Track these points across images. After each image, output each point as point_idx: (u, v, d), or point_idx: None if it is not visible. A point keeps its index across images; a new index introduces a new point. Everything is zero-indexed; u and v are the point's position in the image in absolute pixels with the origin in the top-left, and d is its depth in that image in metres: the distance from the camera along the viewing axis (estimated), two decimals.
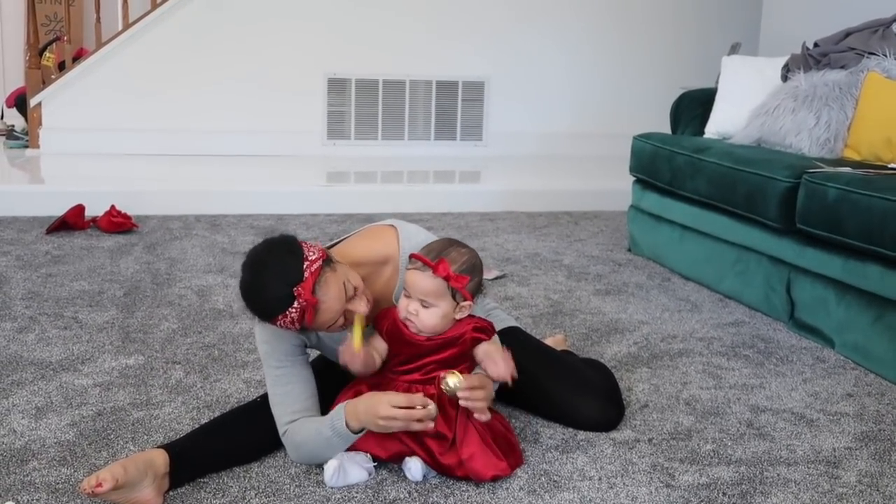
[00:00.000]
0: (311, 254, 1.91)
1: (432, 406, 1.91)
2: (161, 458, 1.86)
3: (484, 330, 2.06)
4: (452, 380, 1.93)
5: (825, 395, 2.50)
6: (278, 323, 1.90)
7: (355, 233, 2.17)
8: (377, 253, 2.09)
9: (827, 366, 2.73)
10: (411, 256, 2.00)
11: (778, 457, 2.11)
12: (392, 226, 2.14)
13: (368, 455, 1.97)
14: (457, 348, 2.04)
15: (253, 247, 1.97)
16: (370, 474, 1.96)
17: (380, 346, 2.03)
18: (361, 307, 1.97)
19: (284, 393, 2.02)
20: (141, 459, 1.83)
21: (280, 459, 2.01)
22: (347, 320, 1.97)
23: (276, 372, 2.03)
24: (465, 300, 2.00)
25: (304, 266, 1.88)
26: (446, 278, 1.97)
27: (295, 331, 1.96)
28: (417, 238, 2.10)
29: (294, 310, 1.87)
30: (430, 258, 1.98)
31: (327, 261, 1.93)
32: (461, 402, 1.93)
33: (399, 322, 2.03)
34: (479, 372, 2.02)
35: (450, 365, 2.01)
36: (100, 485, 1.72)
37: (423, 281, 1.97)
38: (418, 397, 1.91)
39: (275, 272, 1.88)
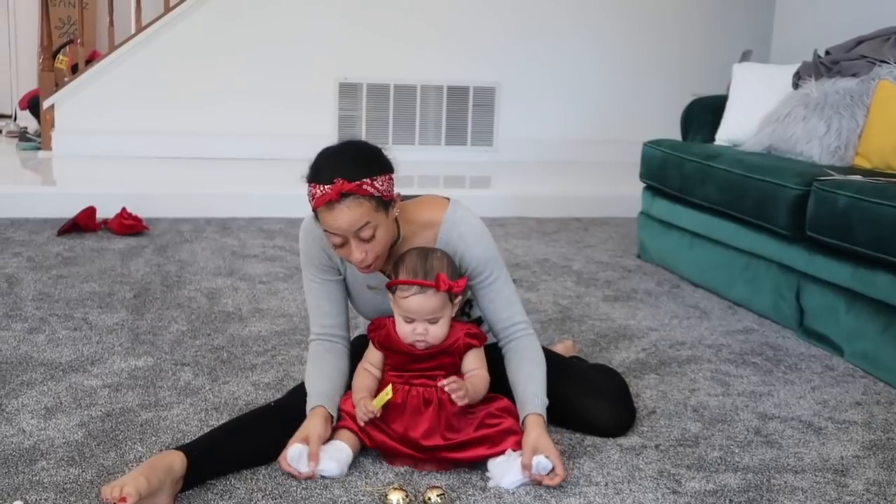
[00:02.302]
0: (380, 182, 1.95)
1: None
2: (179, 462, 1.85)
3: (476, 336, 2.08)
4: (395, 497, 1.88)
5: (834, 403, 2.49)
6: (308, 189, 1.97)
7: (417, 196, 2.20)
8: (426, 217, 2.13)
9: (836, 374, 2.72)
10: (399, 283, 2.00)
11: (785, 464, 2.11)
12: (448, 199, 2.18)
13: (345, 444, 1.99)
14: (450, 357, 2.06)
15: (362, 140, 2.07)
16: (341, 471, 1.95)
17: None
18: (356, 255, 1.98)
19: (314, 306, 2.19)
20: (161, 466, 1.82)
21: None
22: (345, 251, 1.99)
23: (309, 284, 2.19)
24: (458, 296, 2.04)
25: (363, 182, 1.92)
26: (449, 289, 1.99)
27: (311, 211, 2.00)
28: (464, 217, 2.13)
29: (321, 189, 1.93)
30: (420, 278, 1.98)
31: (383, 201, 1.97)
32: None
33: (392, 333, 2.05)
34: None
35: (443, 368, 2.04)
36: (124, 499, 1.71)
37: (429, 302, 1.99)
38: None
39: (347, 158, 1.96)
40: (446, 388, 1.96)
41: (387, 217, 1.99)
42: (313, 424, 1.99)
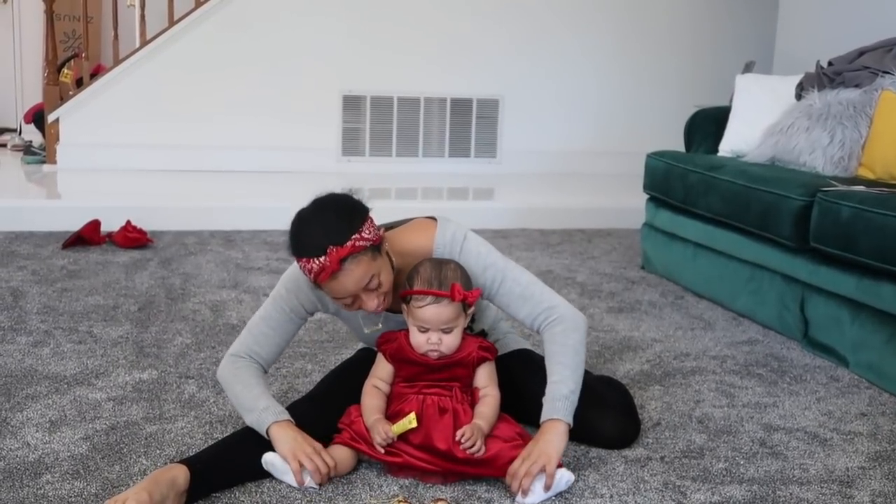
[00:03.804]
0: (367, 232, 1.93)
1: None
2: (183, 476, 1.85)
3: (489, 349, 2.10)
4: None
5: (839, 414, 2.49)
6: (301, 264, 1.95)
7: (402, 222, 2.18)
8: (416, 245, 2.12)
9: (841, 385, 2.72)
10: (414, 293, 2.00)
11: (791, 476, 2.10)
12: (433, 218, 2.16)
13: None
14: (464, 368, 2.07)
15: (331, 193, 2.01)
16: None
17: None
18: (371, 304, 1.99)
19: (261, 333, 2.13)
20: (164, 480, 1.82)
21: None
22: (356, 306, 1.99)
23: (272, 313, 2.13)
24: (471, 306, 2.05)
25: (353, 237, 1.90)
26: (464, 300, 2.00)
27: (310, 282, 1.97)
28: (455, 237, 2.11)
29: (317, 263, 1.91)
30: (434, 288, 1.99)
31: (376, 247, 1.95)
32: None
33: (405, 345, 2.05)
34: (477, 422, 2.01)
35: (457, 380, 2.05)
36: None
37: (443, 312, 2.00)
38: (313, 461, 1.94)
39: (326, 223, 1.93)
40: (462, 445, 1.95)
41: (383, 259, 1.99)
42: (304, 436, 1.98)
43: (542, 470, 1.91)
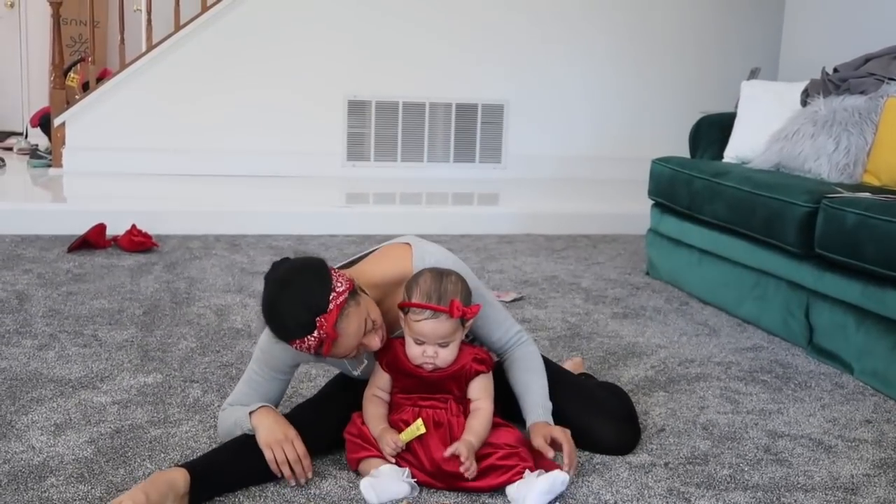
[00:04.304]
0: (338, 284, 1.90)
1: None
2: (182, 479, 1.86)
3: (483, 361, 2.07)
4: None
5: (843, 421, 2.48)
6: (294, 346, 1.92)
7: (372, 251, 2.17)
8: (392, 274, 2.08)
9: (845, 392, 2.71)
10: (412, 306, 1.97)
11: (795, 483, 2.10)
12: (408, 244, 2.13)
13: (408, 470, 1.96)
14: (457, 382, 2.04)
15: (279, 262, 1.96)
16: (413, 490, 1.94)
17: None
18: (375, 343, 1.98)
19: (245, 393, 2.11)
20: (162, 482, 1.82)
21: None
22: (361, 349, 1.99)
23: (254, 375, 2.11)
24: (469, 321, 2.03)
25: (331, 297, 1.88)
26: (462, 316, 1.97)
27: (307, 354, 1.97)
28: (432, 258, 2.08)
29: (313, 338, 1.89)
30: (434, 302, 1.95)
31: (353, 293, 1.93)
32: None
33: (401, 355, 2.04)
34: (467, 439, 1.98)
35: (451, 393, 2.04)
36: None
37: (441, 327, 1.97)
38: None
39: (300, 297, 1.88)
40: (461, 467, 1.93)
41: (364, 298, 1.96)
42: (280, 423, 1.99)
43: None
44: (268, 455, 1.95)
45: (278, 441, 1.96)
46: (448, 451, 1.93)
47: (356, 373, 2.13)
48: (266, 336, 2.08)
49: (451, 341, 2.00)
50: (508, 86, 6.15)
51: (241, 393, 2.12)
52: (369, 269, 2.09)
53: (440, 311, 1.95)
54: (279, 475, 1.96)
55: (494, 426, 2.05)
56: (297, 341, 1.90)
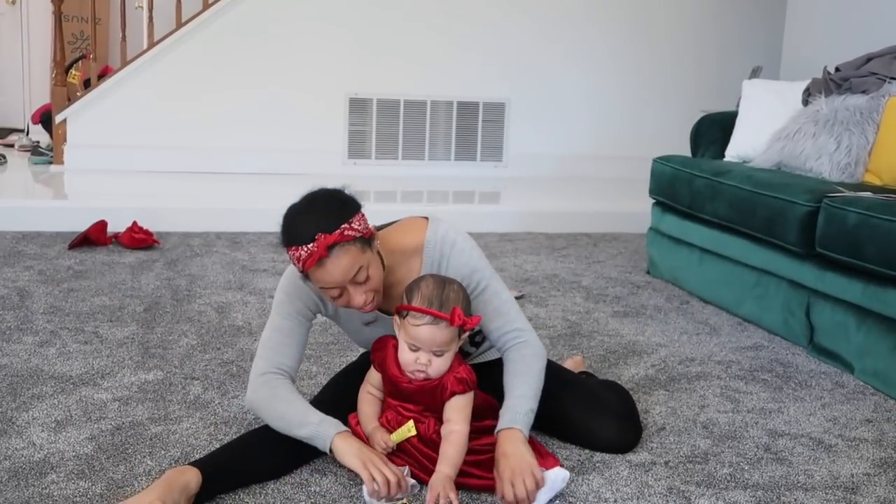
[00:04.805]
0: (357, 223, 1.92)
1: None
2: (195, 481, 1.85)
3: (463, 381, 1.98)
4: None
5: (844, 420, 2.49)
6: (290, 254, 1.94)
7: (394, 222, 2.17)
8: (407, 243, 2.10)
9: (846, 391, 2.71)
10: (412, 309, 1.94)
11: (795, 482, 2.10)
12: (425, 217, 2.14)
13: (408, 469, 1.94)
14: (434, 400, 1.99)
15: (323, 187, 2.00)
16: (414, 487, 1.92)
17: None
18: (358, 299, 1.96)
19: (279, 343, 2.09)
20: (177, 486, 1.82)
21: (297, 476, 2.02)
22: (344, 300, 1.97)
23: (280, 321, 2.10)
24: (466, 333, 2.00)
25: (342, 226, 1.90)
26: (462, 325, 1.93)
27: (300, 273, 1.97)
28: (446, 235, 2.09)
29: (305, 250, 1.90)
30: (435, 308, 1.91)
31: (365, 240, 1.94)
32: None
33: (389, 357, 2.01)
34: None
35: (429, 409, 1.99)
36: None
37: (440, 334, 1.93)
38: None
39: (316, 214, 1.93)
40: None
41: (373, 253, 1.98)
42: (369, 447, 1.96)
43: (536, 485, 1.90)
44: (366, 475, 1.87)
45: (375, 464, 1.89)
46: (430, 500, 1.85)
47: (364, 324, 2.13)
48: (285, 279, 2.12)
49: (447, 351, 1.96)
50: (510, 84, 6.15)
51: (275, 343, 2.09)
52: (385, 236, 2.10)
53: (441, 317, 1.92)
54: (379, 499, 1.88)
55: (485, 429, 2.03)
56: (293, 248, 1.92)
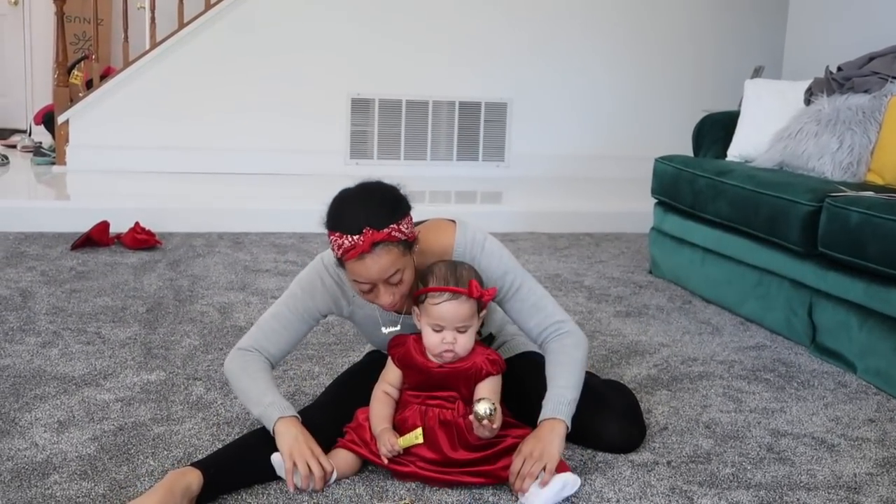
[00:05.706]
0: (405, 226, 1.93)
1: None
2: (197, 482, 1.86)
3: (495, 363, 2.04)
4: (483, 407, 1.92)
5: (846, 420, 2.48)
6: (332, 238, 1.94)
7: (421, 223, 2.17)
8: (436, 246, 2.10)
9: (848, 391, 2.71)
10: (430, 290, 1.97)
11: (798, 481, 2.10)
12: (453, 220, 2.15)
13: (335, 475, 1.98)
14: (466, 382, 2.02)
15: (380, 181, 2.01)
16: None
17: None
18: (386, 299, 1.97)
19: (272, 329, 2.13)
20: (179, 488, 1.82)
21: None
22: (371, 296, 1.99)
23: (284, 311, 2.13)
24: (484, 309, 2.03)
25: (391, 225, 1.90)
26: (480, 297, 1.97)
27: (336, 258, 1.97)
28: (475, 238, 2.11)
29: (349, 240, 1.90)
30: (451, 285, 1.96)
31: (408, 244, 1.95)
32: (476, 429, 1.94)
33: (412, 350, 2.04)
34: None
35: (459, 393, 2.02)
36: None
37: (461, 308, 1.97)
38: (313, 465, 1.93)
39: (371, 205, 1.93)
40: (478, 417, 1.92)
41: (411, 257, 1.98)
42: (306, 437, 1.98)
43: (543, 469, 1.92)
44: (288, 464, 1.93)
45: (302, 455, 1.93)
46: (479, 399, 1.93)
47: (385, 331, 2.13)
48: (307, 273, 2.12)
49: (470, 326, 2.00)
50: (512, 84, 6.15)
51: (268, 329, 2.13)
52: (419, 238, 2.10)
53: (459, 292, 1.96)
54: (293, 487, 1.93)
55: (505, 425, 2.04)
56: (338, 234, 1.92)
